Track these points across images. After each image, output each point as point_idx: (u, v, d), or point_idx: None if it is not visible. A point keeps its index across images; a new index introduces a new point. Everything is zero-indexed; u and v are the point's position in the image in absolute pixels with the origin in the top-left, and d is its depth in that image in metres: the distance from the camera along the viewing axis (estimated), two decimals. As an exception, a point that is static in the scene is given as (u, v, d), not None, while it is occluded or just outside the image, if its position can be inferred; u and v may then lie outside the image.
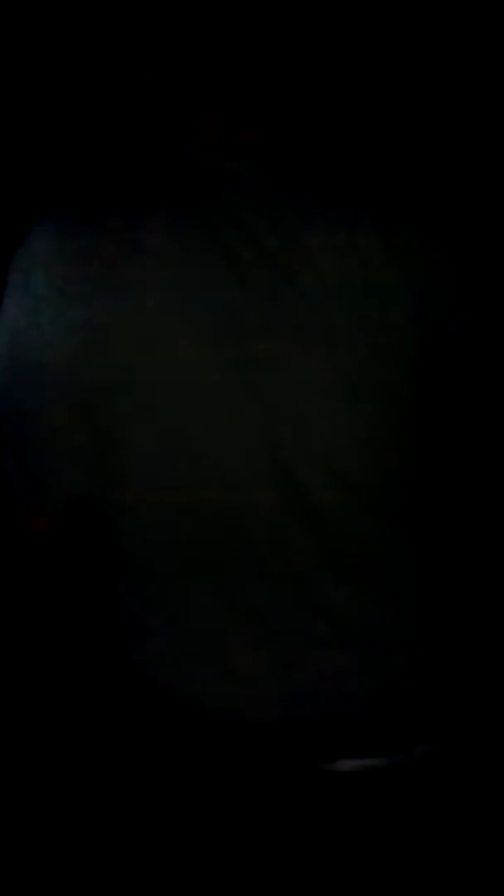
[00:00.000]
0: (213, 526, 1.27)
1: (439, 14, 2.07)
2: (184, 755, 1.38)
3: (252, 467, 1.25)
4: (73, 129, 2.13)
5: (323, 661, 1.32)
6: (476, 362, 1.32)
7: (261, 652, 1.31)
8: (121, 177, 1.25)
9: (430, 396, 1.28)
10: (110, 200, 1.23)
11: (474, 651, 1.43)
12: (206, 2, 1.22)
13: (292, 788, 1.35)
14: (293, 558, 1.29)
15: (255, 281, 1.21)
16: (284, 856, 1.37)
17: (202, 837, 1.38)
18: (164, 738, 1.39)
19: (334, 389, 1.23)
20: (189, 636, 1.33)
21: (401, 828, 1.37)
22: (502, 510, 1.44)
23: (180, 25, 1.24)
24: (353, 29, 1.95)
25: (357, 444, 1.25)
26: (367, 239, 1.21)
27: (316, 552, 1.29)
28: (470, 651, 1.42)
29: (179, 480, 1.25)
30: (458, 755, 1.41)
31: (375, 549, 1.31)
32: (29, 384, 1.25)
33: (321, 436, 1.24)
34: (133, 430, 1.23)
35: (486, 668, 1.45)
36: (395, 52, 2.04)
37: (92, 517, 1.35)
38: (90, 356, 1.21)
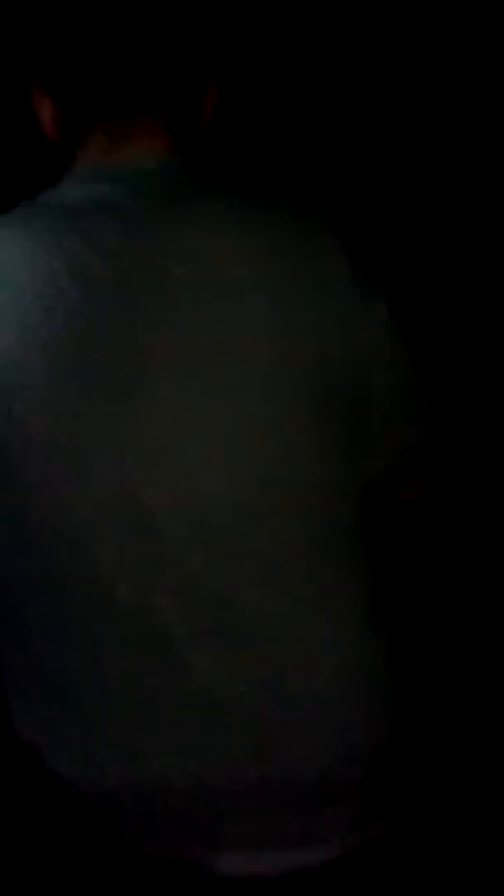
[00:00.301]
0: (70, 576, 1.19)
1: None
2: (66, 844, 1.27)
3: (105, 512, 1.18)
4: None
5: (189, 737, 1.20)
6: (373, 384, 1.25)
7: (132, 723, 1.21)
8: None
9: (301, 422, 1.20)
10: None
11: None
12: (90, 23, 1.23)
13: (169, 886, 1.23)
14: (156, 620, 1.19)
15: (118, 306, 1.18)
16: None
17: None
18: (45, 821, 1.27)
19: (203, 431, 1.18)
20: (57, 705, 1.23)
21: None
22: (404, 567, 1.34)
23: (66, 47, 1.24)
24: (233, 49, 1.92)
25: (215, 478, 1.19)
26: (231, 268, 1.19)
27: (178, 614, 1.19)
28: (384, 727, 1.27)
29: (35, 531, 1.19)
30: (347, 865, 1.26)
31: (244, 612, 1.20)
32: None
33: (176, 472, 1.18)
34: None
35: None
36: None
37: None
38: None
